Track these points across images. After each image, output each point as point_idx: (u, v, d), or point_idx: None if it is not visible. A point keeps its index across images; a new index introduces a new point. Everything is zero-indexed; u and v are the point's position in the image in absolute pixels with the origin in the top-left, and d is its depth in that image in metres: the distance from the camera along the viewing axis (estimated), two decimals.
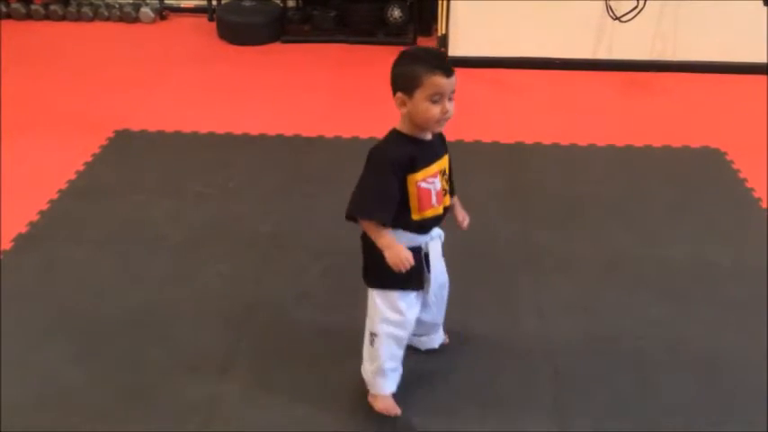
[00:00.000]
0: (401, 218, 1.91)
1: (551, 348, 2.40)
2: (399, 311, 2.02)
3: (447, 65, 1.83)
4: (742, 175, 3.37)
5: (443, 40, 4.46)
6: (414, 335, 2.26)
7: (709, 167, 3.47)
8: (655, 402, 2.21)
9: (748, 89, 4.18)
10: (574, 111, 4.00)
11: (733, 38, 4.28)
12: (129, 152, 3.52)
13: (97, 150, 3.50)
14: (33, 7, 5.06)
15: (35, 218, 3.00)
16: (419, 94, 1.82)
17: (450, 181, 2.04)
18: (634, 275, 2.74)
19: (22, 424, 2.12)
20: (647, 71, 4.38)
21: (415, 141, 1.90)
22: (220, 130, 3.70)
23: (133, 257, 2.80)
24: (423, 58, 1.85)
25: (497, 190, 3.25)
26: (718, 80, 4.31)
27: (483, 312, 2.55)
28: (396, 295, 2.00)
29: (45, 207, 3.07)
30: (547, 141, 3.64)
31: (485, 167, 3.42)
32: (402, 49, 1.93)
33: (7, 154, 3.46)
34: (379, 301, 2.02)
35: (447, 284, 2.18)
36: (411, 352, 2.37)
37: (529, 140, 3.65)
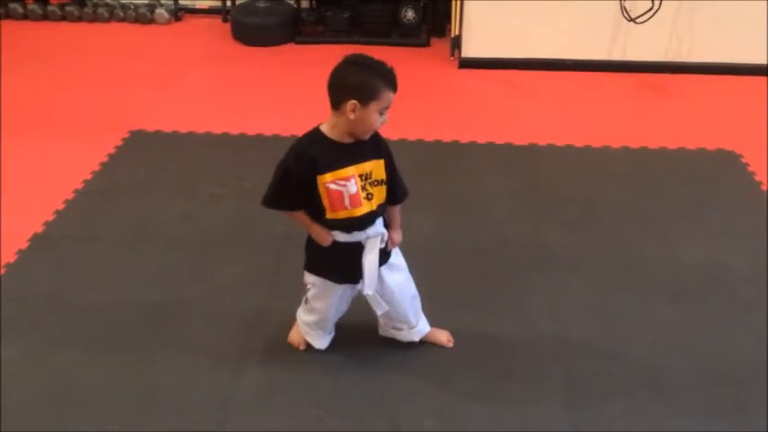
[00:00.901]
0: (316, 215, 2.05)
1: (564, 350, 2.40)
2: (316, 297, 2.22)
3: (396, 80, 1.94)
4: (757, 178, 3.35)
5: (457, 41, 4.46)
6: (391, 328, 2.36)
7: (724, 170, 3.45)
8: (668, 405, 2.21)
9: (764, 91, 4.15)
10: (588, 112, 3.99)
11: (749, 39, 4.25)
12: (144, 152, 3.55)
13: (112, 151, 3.53)
14: (50, 8, 5.11)
15: (51, 217, 3.03)
16: (374, 106, 1.91)
17: (391, 188, 2.08)
18: (648, 278, 2.73)
19: (36, 424, 2.14)
20: (662, 73, 4.36)
21: (333, 145, 1.98)
22: (234, 130, 3.72)
23: (148, 258, 2.82)
24: (380, 71, 1.93)
25: (511, 191, 3.24)
26: (733, 82, 4.28)
27: (496, 313, 2.55)
28: (318, 281, 2.18)
29: (61, 207, 3.10)
30: (560, 143, 3.63)
31: (498, 169, 3.42)
32: (346, 56, 2.00)
33: (24, 154, 3.50)
34: (309, 279, 2.21)
35: (398, 286, 2.22)
36: (423, 351, 2.38)
37: (542, 142, 3.64)
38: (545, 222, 3.04)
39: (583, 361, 2.36)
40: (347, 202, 2.00)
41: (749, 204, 3.19)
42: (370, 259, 2.09)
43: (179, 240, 2.92)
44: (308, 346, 2.38)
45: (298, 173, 1.97)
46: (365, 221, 2.05)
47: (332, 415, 2.17)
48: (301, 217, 2.08)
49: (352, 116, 1.91)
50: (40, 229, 2.96)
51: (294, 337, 2.42)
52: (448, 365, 2.34)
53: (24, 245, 2.87)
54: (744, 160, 3.49)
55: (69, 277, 2.72)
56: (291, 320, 2.42)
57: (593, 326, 2.50)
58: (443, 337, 2.42)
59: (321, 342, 2.38)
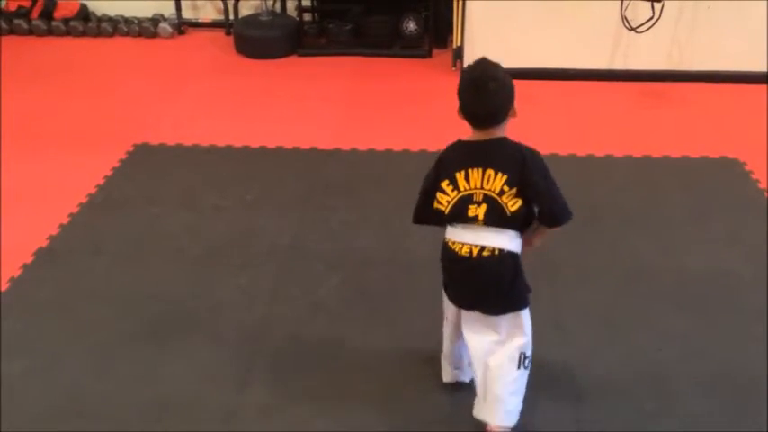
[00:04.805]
0: None
1: (569, 360, 2.39)
2: None
3: None
4: (761, 186, 3.35)
5: (458, 52, 4.47)
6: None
7: (727, 178, 3.45)
8: (675, 414, 2.19)
9: (766, 99, 4.15)
10: (590, 121, 3.99)
11: (751, 47, 4.26)
12: (147, 165, 3.56)
13: (117, 164, 3.54)
14: (54, 23, 5.14)
15: (55, 231, 3.04)
16: None
17: None
18: (653, 286, 2.72)
19: None
20: (664, 81, 4.36)
21: None
22: (238, 143, 3.73)
23: (152, 270, 2.82)
24: None
25: None
26: (735, 90, 4.28)
27: None
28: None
29: (65, 220, 3.11)
30: (563, 152, 3.63)
31: None
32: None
33: (28, 168, 3.51)
34: (529, 317, 2.03)
35: None
36: (428, 360, 2.37)
37: (545, 151, 3.55)
38: None
39: (588, 369, 2.35)
40: None
41: (753, 212, 3.18)
42: None
43: (182, 253, 2.92)
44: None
45: None
46: None
47: (338, 427, 2.16)
48: None
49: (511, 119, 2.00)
50: (44, 242, 2.97)
51: None
52: None
53: (29, 259, 2.87)
54: (747, 168, 3.48)
55: (74, 290, 2.72)
56: (296, 331, 2.42)
57: (598, 335, 2.50)
58: None
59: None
